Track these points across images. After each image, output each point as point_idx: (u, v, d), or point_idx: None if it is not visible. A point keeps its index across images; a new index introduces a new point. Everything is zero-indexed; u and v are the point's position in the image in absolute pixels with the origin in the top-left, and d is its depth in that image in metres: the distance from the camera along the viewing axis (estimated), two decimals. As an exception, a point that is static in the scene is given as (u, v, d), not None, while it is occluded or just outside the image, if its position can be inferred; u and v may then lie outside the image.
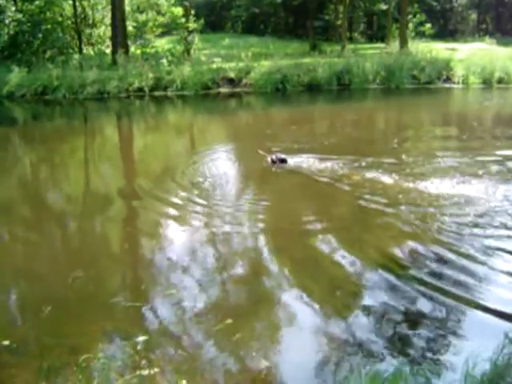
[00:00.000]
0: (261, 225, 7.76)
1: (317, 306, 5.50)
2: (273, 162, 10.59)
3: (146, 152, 14.44)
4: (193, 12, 34.00)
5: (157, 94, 24.29)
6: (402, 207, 8.07)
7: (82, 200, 10.01)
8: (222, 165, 11.33)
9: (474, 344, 4.70)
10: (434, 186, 9.04)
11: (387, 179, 9.51)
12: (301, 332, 5.12)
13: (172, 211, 8.50)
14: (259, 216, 8.08)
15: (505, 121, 18.12)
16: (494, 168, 10.39)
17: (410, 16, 41.38)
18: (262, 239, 7.29)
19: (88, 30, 33.89)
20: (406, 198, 8.44)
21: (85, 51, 32.09)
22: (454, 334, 4.98)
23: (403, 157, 11.37)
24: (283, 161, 10.57)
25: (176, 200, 8.86)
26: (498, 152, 11.83)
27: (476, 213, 7.70)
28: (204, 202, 8.58)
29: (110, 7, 30.73)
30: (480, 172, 9.85)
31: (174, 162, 12.29)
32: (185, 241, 7.41)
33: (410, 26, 40.64)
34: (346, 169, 10.30)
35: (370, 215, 7.98)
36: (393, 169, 10.20)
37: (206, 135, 16.57)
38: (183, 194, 9.14)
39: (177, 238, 7.55)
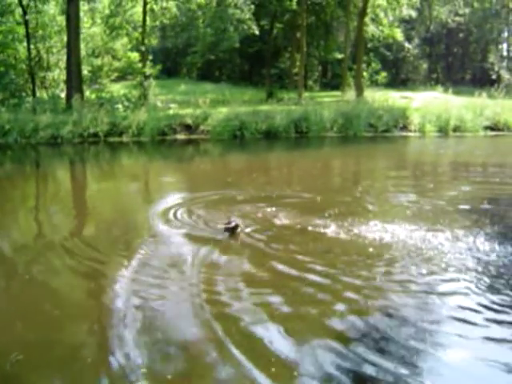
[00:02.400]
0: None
1: None
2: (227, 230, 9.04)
3: (96, 201, 13.82)
4: (149, 57, 33.83)
5: (112, 139, 23.84)
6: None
7: (24, 249, 9.35)
8: (174, 221, 10.73)
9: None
10: (385, 235, 9.18)
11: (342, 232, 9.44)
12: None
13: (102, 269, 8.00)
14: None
15: (459, 167, 18.62)
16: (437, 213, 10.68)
17: (365, 65, 42.05)
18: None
19: (42, 73, 33.34)
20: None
21: (38, 95, 31.49)
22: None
23: (361, 206, 11.58)
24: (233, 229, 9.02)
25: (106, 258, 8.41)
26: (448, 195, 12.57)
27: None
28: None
29: (65, 50, 30.30)
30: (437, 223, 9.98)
31: (124, 215, 11.63)
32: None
33: (365, 74, 41.26)
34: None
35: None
36: (346, 220, 10.12)
37: (163, 183, 15.97)
38: (121, 251, 8.68)
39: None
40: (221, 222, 9.37)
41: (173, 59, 51.55)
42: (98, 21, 36.49)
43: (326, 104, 29.72)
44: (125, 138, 23.93)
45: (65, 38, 30.33)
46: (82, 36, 31.53)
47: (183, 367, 5.34)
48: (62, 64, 32.53)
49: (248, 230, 9.41)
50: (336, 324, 6.22)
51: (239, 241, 8.78)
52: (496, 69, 62.25)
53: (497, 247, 8.54)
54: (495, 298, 6.81)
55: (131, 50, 35.98)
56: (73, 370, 5.20)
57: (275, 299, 6.77)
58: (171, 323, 6.21)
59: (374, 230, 9.42)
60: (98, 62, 35.95)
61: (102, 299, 7.03)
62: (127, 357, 5.32)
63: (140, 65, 33.09)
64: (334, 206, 11.29)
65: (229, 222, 9.10)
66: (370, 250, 8.38)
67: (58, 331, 6.08)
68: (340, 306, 6.63)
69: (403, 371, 5.18)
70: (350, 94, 34.11)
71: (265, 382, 4.92)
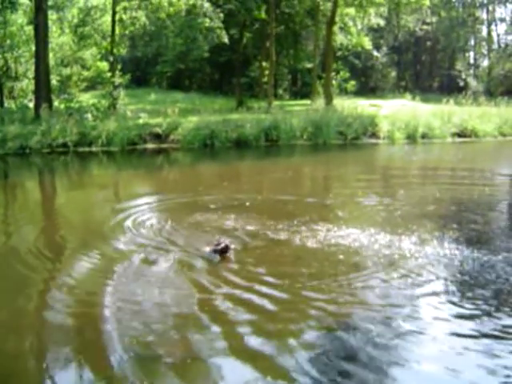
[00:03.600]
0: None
1: None
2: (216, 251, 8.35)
3: (63, 211, 13.69)
4: (119, 66, 33.67)
5: (81, 149, 23.65)
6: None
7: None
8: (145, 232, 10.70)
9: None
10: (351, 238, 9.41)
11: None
12: None
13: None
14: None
15: (428, 172, 19.04)
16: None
17: (334, 73, 42.35)
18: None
19: (10, 83, 33.02)
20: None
21: (7, 105, 31.15)
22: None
23: (331, 212, 11.75)
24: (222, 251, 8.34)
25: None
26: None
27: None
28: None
29: (33, 60, 30.02)
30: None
31: (89, 225, 11.56)
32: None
33: (334, 82, 41.53)
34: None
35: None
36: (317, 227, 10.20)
37: (132, 193, 15.83)
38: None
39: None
40: (207, 243, 8.68)
41: (143, 68, 51.38)
42: (67, 30, 36.20)
43: (296, 112, 29.85)
44: (94, 148, 23.74)
45: (33, 48, 30.09)
46: (50, 45, 31.31)
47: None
48: (31, 74, 32.24)
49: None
50: (307, 333, 6.29)
51: (230, 263, 8.14)
52: (463, 76, 63.13)
53: (463, 252, 8.66)
54: (463, 303, 6.90)
55: (100, 59, 35.78)
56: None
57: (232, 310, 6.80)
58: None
59: (343, 236, 9.52)
60: (66, 71, 35.71)
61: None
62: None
63: (109, 74, 32.92)
64: (304, 212, 11.43)
65: (218, 244, 8.35)
66: (340, 256, 8.45)
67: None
68: (305, 316, 6.69)
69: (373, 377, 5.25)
70: (320, 103, 34.24)
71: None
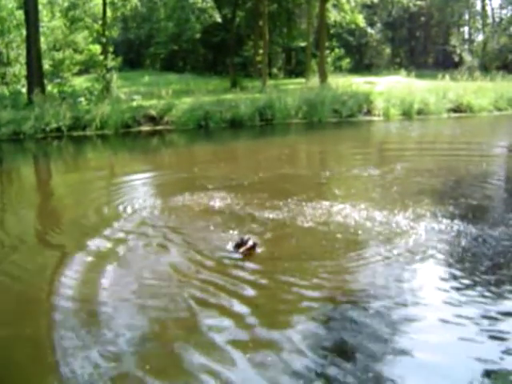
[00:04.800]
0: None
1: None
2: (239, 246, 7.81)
3: (60, 195, 13.65)
4: (111, 49, 33.42)
5: (75, 133, 23.46)
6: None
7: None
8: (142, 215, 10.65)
9: None
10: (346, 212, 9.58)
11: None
12: None
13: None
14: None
15: (425, 147, 19.11)
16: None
17: (328, 51, 42.11)
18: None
19: (2, 69, 32.74)
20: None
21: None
22: None
23: (329, 191, 11.81)
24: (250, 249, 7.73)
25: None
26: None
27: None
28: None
29: (25, 45, 29.73)
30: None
31: (87, 210, 11.38)
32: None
33: (329, 60, 41.33)
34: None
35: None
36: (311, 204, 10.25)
37: (128, 177, 15.68)
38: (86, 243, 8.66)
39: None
40: (227, 241, 8.15)
41: (136, 51, 51.04)
42: (58, 14, 35.87)
43: (291, 91, 29.66)
44: (88, 132, 23.55)
45: (24, 33, 29.76)
46: (41, 30, 30.98)
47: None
48: (23, 59, 31.91)
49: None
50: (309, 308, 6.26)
51: (254, 259, 7.58)
52: (458, 51, 62.75)
53: (460, 227, 8.64)
54: (460, 278, 6.90)
55: (92, 42, 35.47)
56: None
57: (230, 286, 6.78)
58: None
59: (340, 214, 9.54)
60: (59, 55, 35.38)
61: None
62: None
63: (102, 57, 32.68)
64: (301, 190, 11.45)
65: (242, 241, 7.78)
66: (338, 235, 8.43)
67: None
68: (308, 292, 6.66)
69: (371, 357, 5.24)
70: (314, 81, 34.10)
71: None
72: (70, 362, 5.18)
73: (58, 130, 23.29)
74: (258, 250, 7.73)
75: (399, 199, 10.60)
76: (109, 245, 8.44)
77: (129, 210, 10.42)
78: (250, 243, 7.67)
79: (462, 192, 11.55)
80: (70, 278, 7.18)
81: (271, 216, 9.57)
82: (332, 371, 4.92)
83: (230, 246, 7.97)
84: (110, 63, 31.84)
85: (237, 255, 7.60)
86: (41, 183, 15.93)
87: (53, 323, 6.09)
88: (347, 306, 6.22)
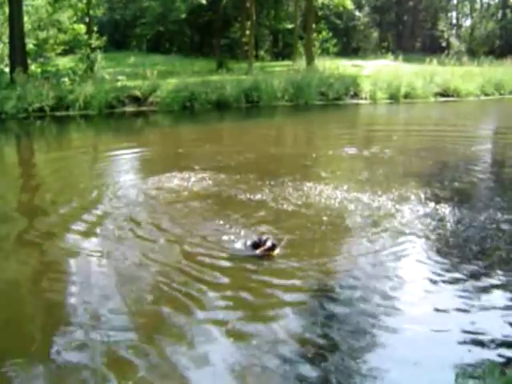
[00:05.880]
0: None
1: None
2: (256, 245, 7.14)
3: (41, 175, 13.38)
4: (95, 29, 32.96)
5: (58, 114, 23.07)
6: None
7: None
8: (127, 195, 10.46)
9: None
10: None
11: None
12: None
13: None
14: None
15: (411, 130, 19.17)
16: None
17: (316, 34, 41.84)
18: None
19: (-15, 48, 32.20)
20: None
21: (-19, 70, 30.38)
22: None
23: (315, 172, 11.75)
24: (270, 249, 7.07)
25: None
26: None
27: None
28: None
29: (7, 24, 29.20)
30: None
31: (71, 189, 11.19)
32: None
33: (316, 43, 41.08)
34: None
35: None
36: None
37: (111, 157, 15.39)
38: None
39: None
40: (243, 240, 7.52)
41: (122, 31, 50.37)
42: (42, -8, 35.29)
43: (277, 73, 29.47)
44: (71, 112, 23.17)
45: (7, 11, 29.24)
46: (25, 8, 30.44)
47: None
48: (6, 38, 31.36)
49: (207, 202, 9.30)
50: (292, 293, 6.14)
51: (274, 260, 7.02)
52: (446, 36, 62.72)
53: (445, 210, 8.60)
54: (445, 262, 6.87)
55: (77, 21, 34.94)
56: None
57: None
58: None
59: (327, 196, 9.52)
60: (43, 35, 34.83)
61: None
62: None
63: (86, 37, 32.23)
64: (287, 172, 11.47)
65: (260, 241, 7.12)
66: (324, 218, 8.34)
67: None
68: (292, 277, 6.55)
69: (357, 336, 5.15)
70: (301, 63, 33.89)
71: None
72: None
73: (41, 109, 22.90)
74: (278, 251, 7.07)
75: (385, 181, 10.58)
76: (91, 230, 8.24)
77: (112, 192, 10.24)
78: (269, 244, 7.02)
79: (448, 175, 11.53)
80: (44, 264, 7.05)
81: (257, 197, 9.50)
82: (314, 363, 4.85)
83: (239, 244, 7.38)
84: (95, 43, 31.38)
85: (253, 255, 6.97)
86: (22, 163, 15.65)
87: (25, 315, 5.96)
88: (330, 293, 6.15)
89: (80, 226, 8.28)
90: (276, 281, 6.39)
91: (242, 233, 7.71)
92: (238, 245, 7.37)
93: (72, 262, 7.13)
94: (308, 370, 4.71)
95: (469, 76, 30.71)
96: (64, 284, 6.56)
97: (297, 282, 6.36)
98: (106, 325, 5.46)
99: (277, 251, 7.05)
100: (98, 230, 8.15)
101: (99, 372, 4.72)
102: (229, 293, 6.14)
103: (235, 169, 11.88)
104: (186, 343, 5.18)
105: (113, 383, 4.56)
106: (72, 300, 6.13)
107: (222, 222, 8.18)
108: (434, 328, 5.38)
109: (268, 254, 6.98)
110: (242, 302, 5.92)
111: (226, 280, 6.41)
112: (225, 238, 7.58)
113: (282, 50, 48.16)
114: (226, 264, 6.87)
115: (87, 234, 8.01)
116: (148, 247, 7.39)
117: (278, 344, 5.09)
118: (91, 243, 7.71)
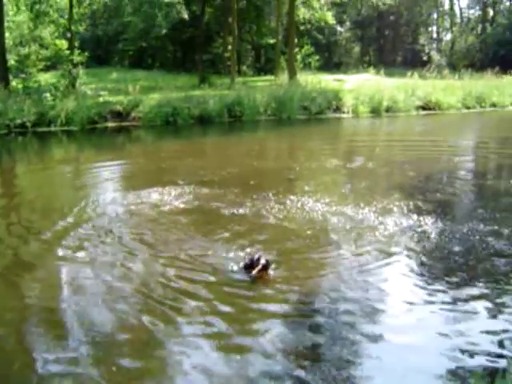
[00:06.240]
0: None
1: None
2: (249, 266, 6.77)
3: (24, 193, 13.23)
4: (77, 44, 32.88)
5: (40, 129, 22.91)
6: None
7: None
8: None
9: None
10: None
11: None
12: None
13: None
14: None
15: (393, 143, 19.17)
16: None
17: (298, 49, 42.03)
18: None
19: (-33, 64, 31.95)
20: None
21: (-37, 86, 30.17)
22: None
23: (297, 186, 11.80)
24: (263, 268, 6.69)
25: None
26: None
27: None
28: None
29: (-12, 40, 29.05)
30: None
31: (51, 206, 11.10)
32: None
33: (298, 57, 41.27)
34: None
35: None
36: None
37: (93, 172, 15.26)
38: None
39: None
40: (236, 260, 7.23)
41: (104, 47, 50.31)
42: (23, 8, 35.19)
43: (259, 88, 29.52)
44: (53, 128, 22.99)
45: (-12, 27, 29.11)
46: (6, 24, 30.36)
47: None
48: (-13, 55, 31.20)
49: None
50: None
51: (268, 281, 6.71)
52: (426, 50, 63.26)
53: (428, 222, 8.62)
54: (428, 274, 6.91)
55: (59, 37, 34.85)
56: None
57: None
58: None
59: (310, 209, 9.55)
60: (24, 50, 34.71)
61: None
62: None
63: (67, 52, 32.12)
64: (271, 186, 11.49)
65: (252, 262, 6.70)
66: (308, 232, 8.35)
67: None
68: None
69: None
70: (283, 78, 33.98)
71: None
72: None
73: (23, 125, 22.74)
74: (271, 271, 6.75)
75: (368, 194, 10.66)
76: (72, 248, 8.12)
77: (93, 208, 10.17)
78: (263, 262, 6.61)
79: (431, 187, 11.57)
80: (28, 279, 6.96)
81: (240, 212, 9.48)
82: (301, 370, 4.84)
83: (233, 266, 7.02)
84: (77, 58, 31.26)
85: (247, 278, 6.64)
86: (2, 179, 15.48)
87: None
88: (314, 305, 6.17)
89: (63, 243, 8.16)
90: (260, 294, 6.37)
91: (227, 249, 7.65)
92: (230, 267, 7.07)
93: (54, 279, 7.04)
94: (294, 381, 4.70)
95: (450, 89, 30.95)
96: (44, 301, 6.47)
97: (280, 296, 6.33)
98: (88, 337, 5.39)
99: (270, 270, 6.73)
100: (80, 246, 8.05)
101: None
102: (213, 306, 6.08)
103: (218, 183, 11.87)
104: (170, 356, 5.13)
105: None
106: (55, 316, 6.03)
107: (205, 238, 8.13)
108: (418, 339, 5.39)
109: (261, 276, 6.61)
110: (227, 316, 5.86)
111: (210, 295, 6.34)
112: (210, 253, 7.54)
113: (265, 65, 48.34)
114: (211, 278, 6.81)
115: (70, 250, 7.90)
116: (131, 262, 7.33)
117: (264, 357, 5.07)
118: (73, 260, 7.60)
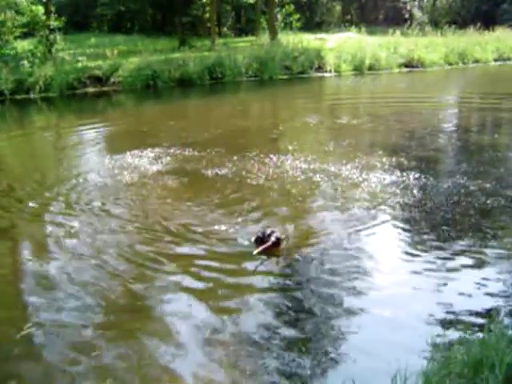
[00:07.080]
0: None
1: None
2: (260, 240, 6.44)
3: (4, 159, 13.05)
4: (53, 9, 32.23)
5: (19, 97, 22.55)
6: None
7: None
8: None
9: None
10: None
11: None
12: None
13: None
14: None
15: (374, 101, 19.21)
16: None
17: (278, 8, 41.52)
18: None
19: None
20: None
21: None
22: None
23: (282, 145, 11.73)
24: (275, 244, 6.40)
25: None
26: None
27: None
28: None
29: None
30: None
31: (34, 172, 10.90)
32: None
33: (279, 17, 40.82)
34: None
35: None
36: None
37: (74, 137, 15.09)
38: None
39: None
40: (246, 235, 6.94)
41: (82, 13, 49.36)
42: (-3, -27, 34.40)
43: (241, 49, 29.15)
44: (32, 95, 22.66)
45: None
46: (-20, -9, 29.73)
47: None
48: (-39, 23, 30.57)
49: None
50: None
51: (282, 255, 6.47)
52: (408, 8, 62.72)
53: (412, 178, 8.60)
54: (413, 229, 6.93)
55: (34, 3, 34.16)
56: None
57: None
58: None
59: (293, 168, 9.50)
60: (0, 17, 34.02)
61: None
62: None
63: (44, 18, 31.49)
64: (254, 146, 11.48)
65: (263, 236, 6.42)
66: (293, 190, 8.34)
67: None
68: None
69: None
70: (265, 38, 33.55)
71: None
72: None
73: (1, 93, 22.38)
74: (283, 246, 6.47)
75: (352, 151, 10.61)
76: (56, 212, 8.03)
77: (76, 174, 10.13)
78: (273, 239, 6.31)
79: (414, 143, 11.55)
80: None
81: (223, 172, 9.47)
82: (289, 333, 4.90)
83: (242, 239, 6.80)
84: (53, 24, 30.66)
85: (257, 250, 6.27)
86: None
87: None
88: (300, 263, 6.20)
89: (44, 209, 8.07)
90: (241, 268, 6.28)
91: (211, 210, 7.62)
92: (240, 239, 6.86)
93: (32, 248, 6.95)
94: (280, 354, 4.67)
95: (432, 46, 30.70)
96: (21, 273, 6.39)
97: (265, 262, 6.26)
98: (70, 317, 5.30)
99: (282, 246, 6.47)
100: (65, 210, 7.97)
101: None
102: (197, 278, 6.05)
103: (202, 144, 11.78)
104: (160, 333, 5.09)
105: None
106: (32, 298, 5.85)
107: (191, 203, 8.04)
108: (405, 289, 5.50)
109: (271, 252, 6.32)
110: (213, 288, 5.80)
111: (197, 259, 6.29)
112: (194, 219, 7.47)
113: (245, 26, 47.71)
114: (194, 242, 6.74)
115: (52, 216, 7.81)
116: (116, 226, 7.27)
117: (249, 332, 5.00)
118: (59, 224, 7.49)
